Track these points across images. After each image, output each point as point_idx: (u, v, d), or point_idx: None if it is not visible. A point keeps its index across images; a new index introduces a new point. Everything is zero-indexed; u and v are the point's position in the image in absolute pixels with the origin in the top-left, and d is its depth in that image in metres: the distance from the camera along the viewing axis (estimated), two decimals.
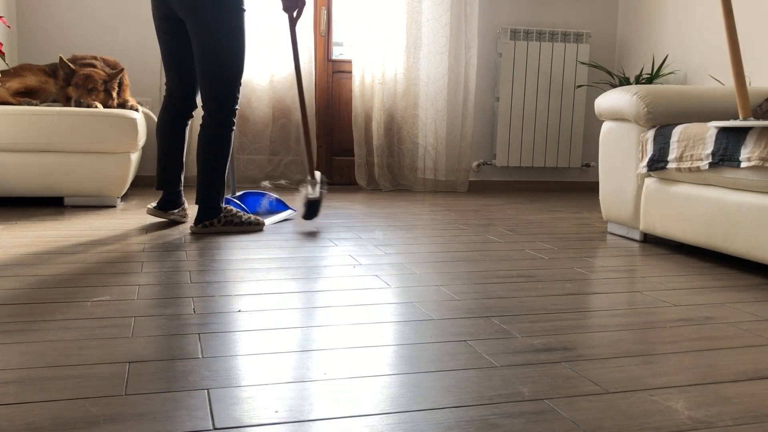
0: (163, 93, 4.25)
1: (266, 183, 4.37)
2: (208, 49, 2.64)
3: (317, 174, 3.02)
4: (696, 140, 2.52)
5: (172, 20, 2.74)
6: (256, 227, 2.86)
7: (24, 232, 2.68)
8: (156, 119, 3.51)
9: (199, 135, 2.74)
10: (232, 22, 2.64)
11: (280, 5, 2.91)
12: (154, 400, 1.19)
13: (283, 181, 4.43)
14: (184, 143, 2.91)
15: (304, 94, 4.41)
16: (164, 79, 4.21)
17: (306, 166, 4.50)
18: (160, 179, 2.91)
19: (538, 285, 2.09)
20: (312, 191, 2.92)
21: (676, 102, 2.79)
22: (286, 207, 3.30)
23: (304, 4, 2.87)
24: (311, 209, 2.91)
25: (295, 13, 2.90)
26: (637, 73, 4.76)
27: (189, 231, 2.81)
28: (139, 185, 4.34)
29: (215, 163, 2.71)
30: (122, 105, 3.59)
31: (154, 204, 2.95)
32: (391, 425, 1.12)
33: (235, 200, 3.15)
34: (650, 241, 2.93)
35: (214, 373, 1.32)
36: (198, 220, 2.76)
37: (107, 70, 3.55)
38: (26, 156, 3.27)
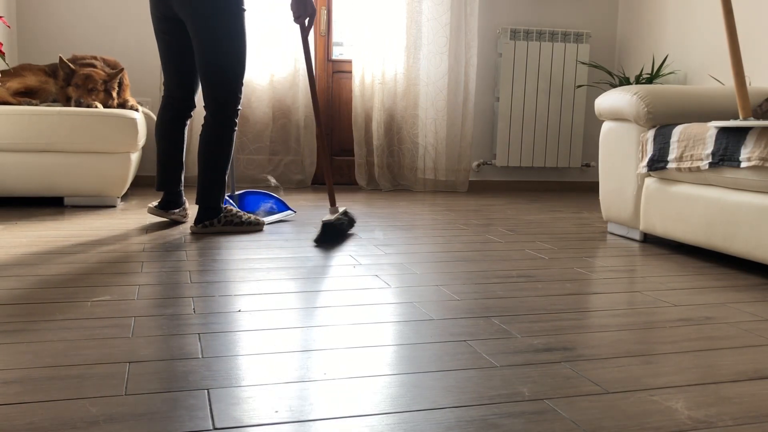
0: (163, 93, 4.25)
1: (271, 179, 4.32)
2: (209, 50, 2.64)
3: (341, 208, 2.88)
4: (696, 140, 2.52)
5: (172, 20, 2.74)
6: (255, 227, 2.86)
7: (24, 232, 2.68)
8: (153, 118, 3.51)
9: (200, 135, 2.74)
10: (232, 22, 2.64)
11: (292, 15, 2.82)
12: (154, 400, 1.19)
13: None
14: (183, 143, 2.91)
15: (302, 95, 4.43)
16: (164, 79, 4.21)
17: (305, 167, 4.50)
18: (160, 180, 2.91)
19: (538, 285, 2.09)
20: (329, 216, 2.77)
21: (676, 102, 2.79)
22: (286, 207, 3.30)
23: (314, 12, 2.76)
24: (322, 232, 2.68)
25: (306, 22, 2.79)
26: (637, 73, 4.76)
27: (189, 231, 2.81)
28: (139, 185, 4.34)
29: (216, 163, 2.71)
30: (122, 105, 3.59)
31: (155, 203, 2.96)
32: (391, 425, 1.12)
33: (230, 200, 3.15)
34: (650, 241, 2.93)
35: (214, 373, 1.32)
36: (198, 220, 2.76)
37: (107, 70, 3.55)
38: (26, 156, 3.27)
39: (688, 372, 1.40)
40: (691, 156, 2.53)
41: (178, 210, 2.98)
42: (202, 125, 2.74)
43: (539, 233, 3.04)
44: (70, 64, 3.45)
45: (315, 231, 2.92)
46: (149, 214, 3.09)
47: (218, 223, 2.77)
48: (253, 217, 2.88)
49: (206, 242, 2.60)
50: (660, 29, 4.58)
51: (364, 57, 4.46)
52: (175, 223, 2.99)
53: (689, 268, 2.40)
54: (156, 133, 2.90)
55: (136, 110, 3.61)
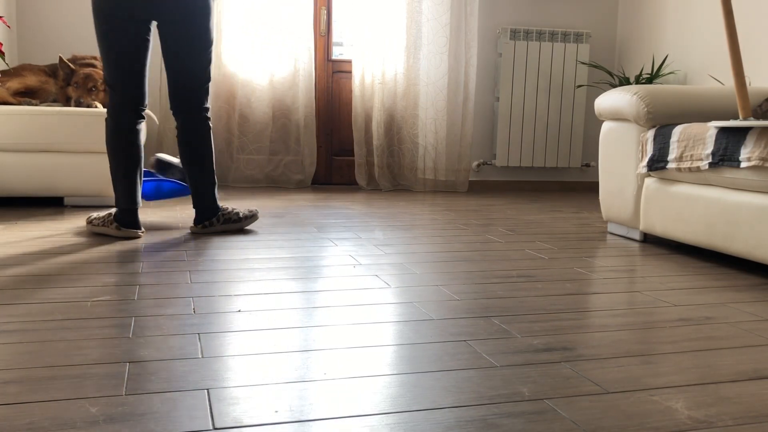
0: (164, 94, 4.25)
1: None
2: (199, 54, 2.64)
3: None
4: (696, 140, 2.52)
5: (143, 22, 2.59)
6: (253, 220, 2.86)
7: (24, 232, 2.68)
8: (154, 119, 3.50)
9: (180, 139, 2.69)
10: (212, 27, 2.68)
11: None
12: (153, 400, 1.19)
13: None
14: (142, 150, 2.69)
15: (302, 95, 4.43)
16: (164, 80, 4.21)
17: (305, 166, 4.50)
18: (131, 197, 2.63)
19: (538, 285, 2.09)
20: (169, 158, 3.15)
21: (676, 102, 2.79)
22: (179, 185, 3.10)
23: None
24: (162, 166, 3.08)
25: None
26: (637, 73, 4.76)
27: (189, 231, 2.81)
28: None
29: (203, 163, 2.72)
30: None
31: (111, 221, 2.66)
32: (391, 425, 1.12)
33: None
34: (650, 241, 2.93)
35: (214, 373, 1.32)
36: (198, 221, 2.77)
37: None
38: (26, 156, 3.27)
39: (688, 372, 1.40)
40: (691, 156, 2.53)
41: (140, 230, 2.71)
42: (180, 129, 2.68)
43: (539, 233, 3.04)
44: (70, 64, 3.45)
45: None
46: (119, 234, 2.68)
47: (218, 222, 2.77)
48: (248, 210, 2.88)
49: (206, 242, 2.60)
50: (660, 29, 4.58)
51: (364, 57, 4.46)
52: (131, 238, 2.67)
53: (689, 268, 2.40)
54: (113, 141, 2.61)
55: None
